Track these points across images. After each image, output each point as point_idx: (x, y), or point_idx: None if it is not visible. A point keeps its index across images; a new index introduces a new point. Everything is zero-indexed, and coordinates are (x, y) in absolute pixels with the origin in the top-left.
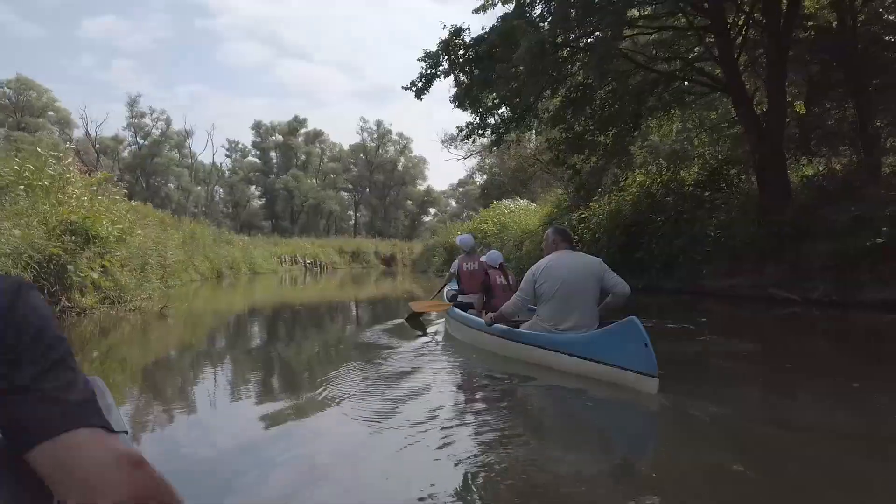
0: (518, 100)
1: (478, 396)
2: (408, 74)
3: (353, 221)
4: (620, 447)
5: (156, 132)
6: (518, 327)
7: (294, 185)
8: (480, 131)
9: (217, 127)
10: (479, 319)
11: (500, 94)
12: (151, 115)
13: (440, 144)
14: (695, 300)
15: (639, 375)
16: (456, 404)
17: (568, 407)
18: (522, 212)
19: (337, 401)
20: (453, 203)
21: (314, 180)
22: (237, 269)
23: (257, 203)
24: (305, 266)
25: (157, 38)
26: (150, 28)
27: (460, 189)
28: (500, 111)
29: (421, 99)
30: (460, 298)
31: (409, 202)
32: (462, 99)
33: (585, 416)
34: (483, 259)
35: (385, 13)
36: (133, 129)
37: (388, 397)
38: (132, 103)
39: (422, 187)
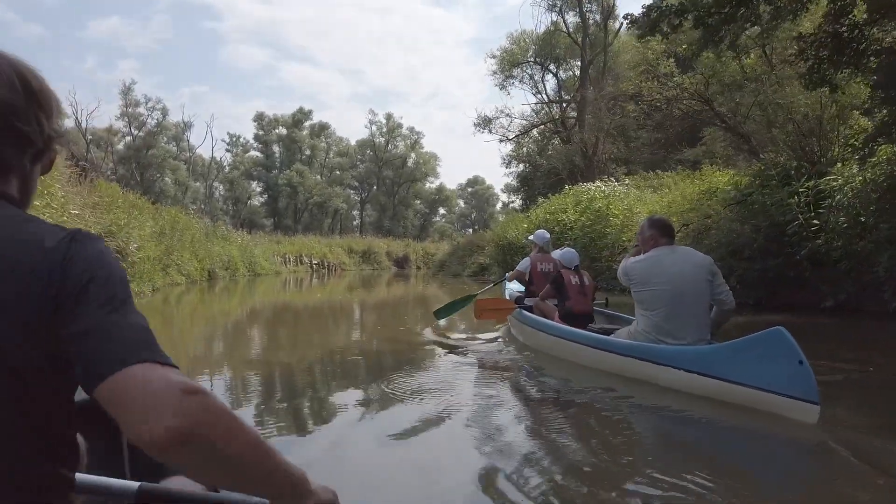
0: None
1: (564, 414)
2: (408, 78)
3: (358, 221)
4: (760, 491)
5: (151, 122)
6: (609, 335)
7: (298, 180)
8: (677, 19)
9: (218, 127)
10: (564, 326)
11: None
12: (147, 104)
13: (473, 128)
14: None
15: (791, 401)
16: (539, 422)
17: (685, 433)
18: (621, 196)
19: (406, 416)
20: (461, 203)
21: (319, 176)
22: (234, 270)
23: (259, 200)
24: (312, 267)
25: (161, 39)
26: (154, 29)
27: (469, 189)
28: None
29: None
30: (528, 301)
31: (418, 201)
32: None
33: (711, 448)
34: (556, 257)
35: (387, 18)
36: (127, 119)
37: (459, 416)
38: (126, 91)
39: (433, 185)
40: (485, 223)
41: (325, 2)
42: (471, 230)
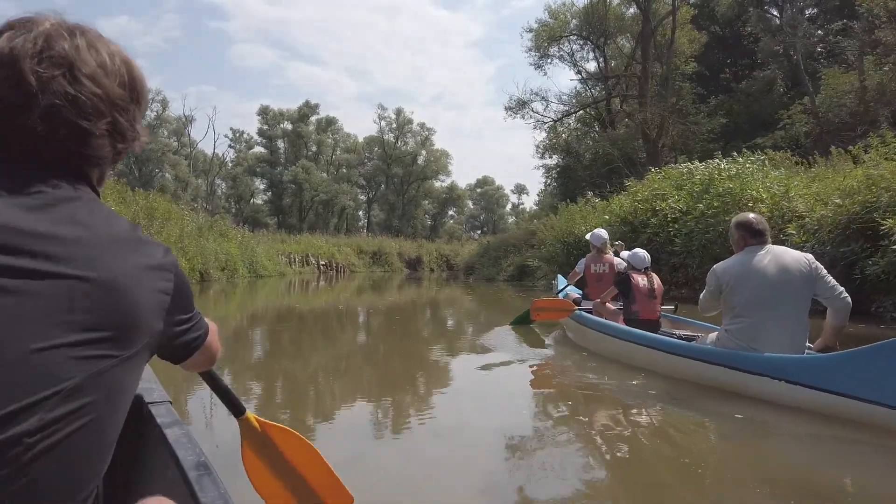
0: None
1: (635, 427)
2: (415, 79)
3: (364, 221)
4: None
5: (150, 115)
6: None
7: (304, 176)
8: None
9: (222, 126)
10: (635, 329)
11: None
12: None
13: (504, 112)
14: None
15: None
16: (606, 437)
17: (788, 456)
18: (757, 175)
19: (447, 433)
20: (470, 204)
21: (325, 173)
22: (233, 271)
23: (262, 198)
24: (319, 268)
25: (169, 39)
26: (162, 28)
27: (478, 190)
28: None
29: None
30: (584, 305)
31: (427, 200)
32: None
33: (831, 475)
34: (625, 256)
35: (394, 18)
36: None
37: (510, 429)
38: None
39: (444, 183)
40: (494, 224)
41: (332, 2)
42: (479, 232)
